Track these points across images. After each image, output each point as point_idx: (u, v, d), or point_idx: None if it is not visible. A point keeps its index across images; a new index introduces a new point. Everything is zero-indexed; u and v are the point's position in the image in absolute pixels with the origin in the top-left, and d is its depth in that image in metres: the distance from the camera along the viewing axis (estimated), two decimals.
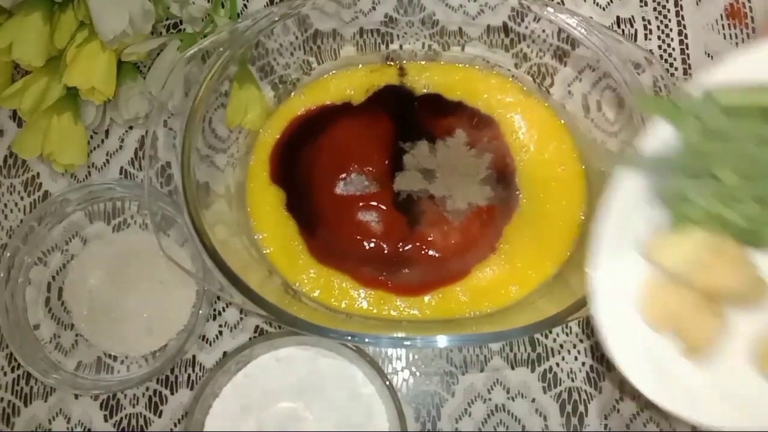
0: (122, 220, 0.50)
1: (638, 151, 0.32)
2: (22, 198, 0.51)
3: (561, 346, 0.48)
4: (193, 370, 0.48)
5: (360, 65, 0.49)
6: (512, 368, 0.47)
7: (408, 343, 0.40)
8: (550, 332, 0.48)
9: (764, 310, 0.31)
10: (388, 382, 0.43)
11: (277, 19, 0.43)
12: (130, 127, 0.52)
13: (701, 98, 0.31)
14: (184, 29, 0.52)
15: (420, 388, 0.47)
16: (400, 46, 0.50)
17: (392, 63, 0.49)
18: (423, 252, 0.45)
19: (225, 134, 0.47)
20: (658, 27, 0.53)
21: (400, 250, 0.45)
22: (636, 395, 0.47)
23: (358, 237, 0.46)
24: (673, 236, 0.32)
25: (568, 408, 0.47)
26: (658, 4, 0.53)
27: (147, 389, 0.47)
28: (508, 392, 0.47)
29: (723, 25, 0.53)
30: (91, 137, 0.52)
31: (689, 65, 0.52)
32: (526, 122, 0.48)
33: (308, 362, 0.45)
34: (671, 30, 0.53)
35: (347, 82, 0.49)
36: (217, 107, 0.47)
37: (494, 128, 0.48)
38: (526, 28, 0.48)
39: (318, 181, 0.47)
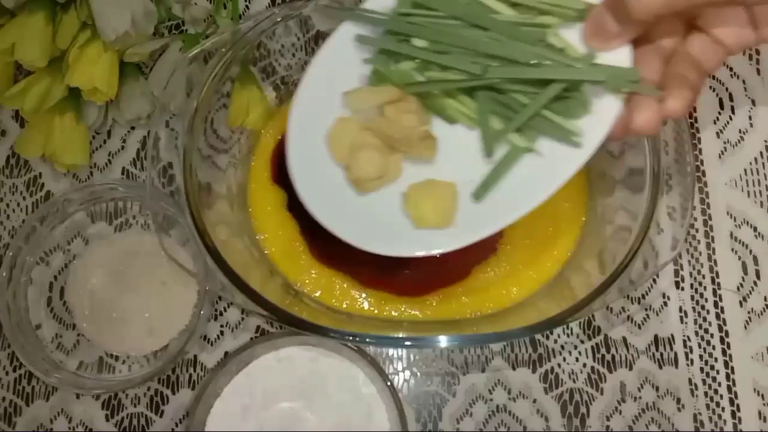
0: (124, 221, 0.50)
1: (359, 7, 0.36)
2: (24, 198, 0.51)
3: (562, 347, 0.48)
4: (195, 370, 0.48)
5: None
6: (513, 369, 0.47)
7: (409, 343, 0.40)
8: (552, 333, 0.48)
9: (428, 166, 0.36)
10: (389, 383, 0.43)
11: (279, 20, 0.43)
12: (132, 128, 0.52)
13: None
14: (186, 30, 0.52)
15: (421, 389, 0.47)
16: None
17: None
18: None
19: (227, 135, 0.47)
20: None
21: None
22: (637, 397, 0.47)
23: None
24: (370, 87, 0.36)
25: (570, 409, 0.47)
26: None
27: (148, 389, 0.48)
28: (509, 393, 0.47)
29: None
30: (94, 137, 0.52)
31: None
32: None
33: (309, 362, 0.45)
34: None
35: None
36: (219, 108, 0.47)
37: None
38: None
39: None
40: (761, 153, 0.51)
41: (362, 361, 0.44)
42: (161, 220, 0.47)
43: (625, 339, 0.48)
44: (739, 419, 0.47)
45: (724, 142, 0.51)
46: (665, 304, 0.48)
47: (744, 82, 0.52)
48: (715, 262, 0.49)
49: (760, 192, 0.50)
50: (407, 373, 0.47)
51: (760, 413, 0.47)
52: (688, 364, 0.47)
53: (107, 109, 0.50)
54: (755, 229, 0.49)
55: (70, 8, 0.47)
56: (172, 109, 0.46)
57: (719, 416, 0.47)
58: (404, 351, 0.48)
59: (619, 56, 0.33)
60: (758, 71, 0.52)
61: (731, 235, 0.49)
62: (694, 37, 0.34)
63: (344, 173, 0.36)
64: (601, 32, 0.32)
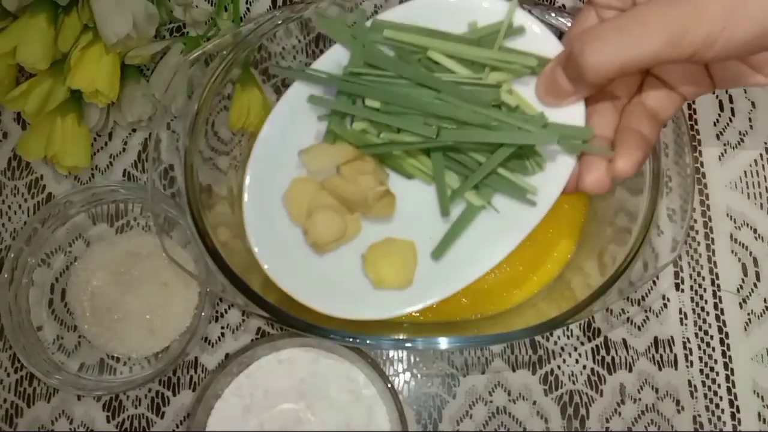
0: (125, 222, 0.50)
1: (313, 68, 0.36)
2: (25, 200, 0.51)
3: (562, 348, 0.48)
4: (195, 372, 0.48)
5: None
6: (513, 371, 0.47)
7: (409, 345, 0.40)
8: (551, 335, 0.48)
9: (387, 223, 0.36)
10: (389, 384, 0.43)
11: (279, 22, 0.43)
12: (134, 130, 0.52)
13: (369, 27, 0.35)
14: (188, 33, 0.52)
15: (421, 390, 0.47)
16: None
17: None
18: None
19: (228, 137, 0.47)
20: None
21: None
22: (637, 398, 0.47)
23: None
24: (323, 145, 0.36)
25: (570, 411, 0.47)
26: None
27: (149, 390, 0.48)
28: (509, 394, 0.47)
29: None
30: (95, 139, 0.52)
31: None
32: None
33: (310, 364, 0.45)
34: None
35: None
36: (220, 110, 0.47)
37: None
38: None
39: None
40: (761, 155, 0.51)
41: (363, 363, 0.44)
42: (162, 222, 0.48)
43: (624, 341, 0.48)
44: (739, 421, 0.47)
45: (724, 144, 0.51)
46: (665, 305, 0.48)
47: None
48: (715, 263, 0.49)
49: (760, 194, 0.50)
50: (408, 374, 0.48)
51: (759, 415, 0.47)
52: (687, 366, 0.47)
53: (109, 112, 0.51)
54: (755, 230, 0.49)
55: (72, 11, 0.47)
56: (174, 111, 0.46)
57: (719, 418, 0.47)
58: (405, 352, 0.48)
59: (572, 113, 0.33)
60: None
61: (731, 236, 0.49)
62: (650, 86, 0.33)
63: (302, 234, 0.36)
64: (553, 90, 0.32)
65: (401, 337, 0.40)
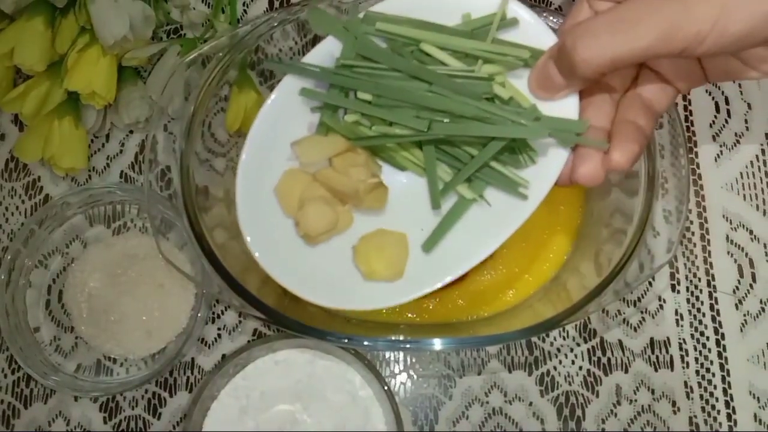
0: (122, 224, 0.50)
1: (305, 61, 0.36)
2: (23, 201, 0.51)
3: (558, 349, 0.48)
4: (192, 373, 0.48)
5: None
6: (509, 372, 0.47)
7: (405, 346, 0.40)
8: (548, 336, 0.48)
9: (379, 214, 0.36)
10: (385, 386, 0.43)
11: (276, 24, 0.44)
12: (131, 132, 0.52)
13: (362, 19, 0.35)
14: (185, 34, 0.52)
15: (417, 392, 0.47)
16: None
17: None
18: None
19: (224, 138, 0.47)
20: None
21: None
22: (633, 399, 0.47)
23: None
24: (316, 137, 0.36)
25: (566, 412, 0.47)
26: None
27: (146, 392, 0.48)
28: (505, 395, 0.47)
29: None
30: (92, 141, 0.52)
31: None
32: None
33: (306, 365, 0.45)
34: None
35: None
36: (217, 112, 0.47)
37: None
38: None
39: None
40: (757, 156, 0.51)
41: (359, 364, 0.44)
42: (159, 224, 0.48)
43: (620, 342, 0.48)
44: (735, 422, 0.47)
45: (720, 146, 0.51)
46: (661, 306, 0.48)
47: (740, 85, 0.52)
48: (711, 264, 0.49)
49: (756, 195, 0.50)
50: (404, 375, 0.48)
51: (755, 416, 0.47)
52: (683, 367, 0.47)
53: (106, 113, 0.51)
54: (751, 232, 0.50)
55: (69, 13, 0.47)
56: (170, 112, 0.46)
57: (715, 419, 0.47)
58: (401, 354, 0.48)
59: (566, 106, 0.33)
60: None
61: (727, 237, 0.49)
62: (645, 78, 0.33)
63: (294, 225, 0.36)
64: (546, 84, 0.32)
65: (397, 338, 0.40)
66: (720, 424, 0.47)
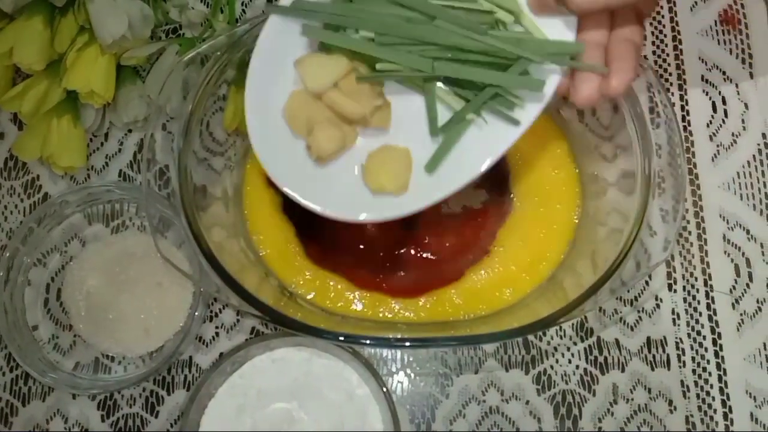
0: (120, 222, 0.50)
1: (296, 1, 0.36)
2: (22, 200, 0.52)
3: (555, 348, 0.48)
4: (190, 371, 0.48)
5: None
6: (506, 370, 0.48)
7: (402, 344, 0.40)
8: (544, 335, 0.48)
9: (384, 135, 0.37)
10: (382, 384, 0.43)
11: None
12: (129, 131, 0.52)
13: None
14: (183, 34, 0.52)
15: (414, 390, 0.47)
16: None
17: None
18: (418, 255, 0.46)
19: (222, 137, 0.48)
20: (653, 33, 0.53)
21: (395, 252, 0.46)
22: (629, 398, 0.47)
23: (354, 240, 0.46)
24: (319, 56, 0.36)
25: (562, 410, 0.47)
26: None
27: (144, 390, 0.48)
28: (502, 394, 0.47)
29: (717, 32, 0.53)
30: (91, 140, 0.52)
31: (683, 71, 0.52)
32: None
33: (303, 363, 0.45)
34: (665, 36, 0.53)
35: None
36: (215, 111, 0.47)
37: None
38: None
39: None
40: (754, 156, 0.51)
41: (356, 362, 0.44)
42: (157, 223, 0.48)
43: (617, 341, 0.48)
44: (731, 421, 0.47)
45: (717, 145, 0.51)
46: (658, 306, 0.48)
47: (737, 85, 0.52)
48: (708, 264, 0.49)
49: (753, 195, 0.50)
50: (401, 374, 0.48)
51: (752, 415, 0.47)
52: (680, 366, 0.47)
53: (104, 112, 0.51)
54: (748, 231, 0.50)
55: (68, 12, 0.47)
56: (169, 111, 0.46)
57: (711, 418, 0.47)
58: (398, 352, 0.48)
59: (564, 25, 0.33)
60: (751, 75, 0.52)
61: (724, 237, 0.50)
62: (622, 16, 0.34)
63: (303, 143, 0.37)
64: (542, 4, 0.33)
65: (394, 336, 0.40)
66: (716, 423, 0.47)
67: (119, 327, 0.47)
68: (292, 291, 0.46)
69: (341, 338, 0.39)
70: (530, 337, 0.48)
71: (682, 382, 0.47)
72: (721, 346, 0.48)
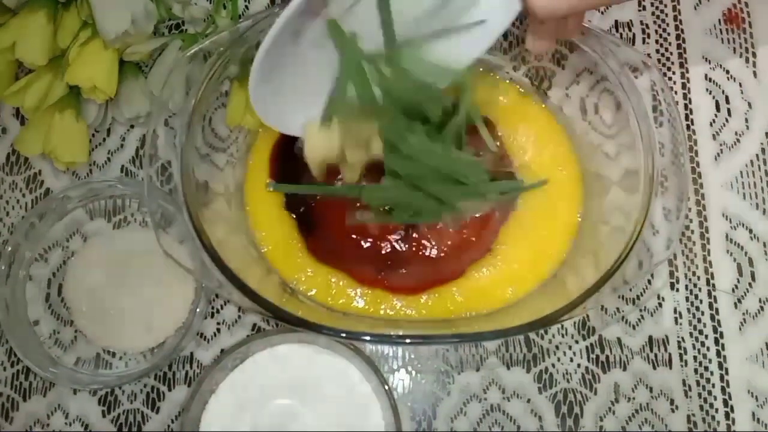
0: (122, 218, 0.50)
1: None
2: (23, 195, 0.52)
3: (557, 347, 0.48)
4: (191, 367, 0.48)
5: None
6: (508, 368, 0.47)
7: (404, 341, 0.40)
8: (546, 333, 0.48)
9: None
10: (384, 381, 0.43)
11: None
12: (132, 126, 0.52)
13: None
14: (186, 30, 0.52)
15: (416, 387, 0.47)
16: None
17: None
18: (420, 252, 0.46)
19: (225, 134, 0.48)
20: (656, 31, 0.53)
21: (397, 249, 0.46)
22: (631, 397, 0.47)
23: (356, 236, 0.46)
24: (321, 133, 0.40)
25: (564, 409, 0.47)
26: (656, 8, 0.54)
27: (145, 385, 0.48)
28: (503, 392, 0.47)
29: (721, 30, 0.53)
30: (93, 135, 0.52)
31: (687, 69, 0.52)
32: (523, 125, 0.48)
33: (305, 360, 0.45)
34: (669, 34, 0.53)
35: None
36: (218, 107, 0.47)
37: (492, 131, 0.48)
38: (525, 31, 0.48)
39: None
40: (757, 155, 0.51)
41: (357, 359, 0.44)
42: (159, 218, 0.48)
43: (619, 339, 0.48)
44: (733, 420, 0.47)
45: (720, 144, 0.51)
46: (660, 305, 0.48)
47: (740, 84, 0.52)
48: (710, 263, 0.49)
49: (756, 194, 0.50)
50: (402, 371, 0.48)
51: (753, 414, 0.47)
52: (682, 365, 0.47)
53: (107, 108, 0.51)
54: (750, 230, 0.50)
55: (71, 7, 0.47)
56: (171, 107, 0.46)
57: (713, 417, 0.47)
58: (399, 350, 0.48)
59: None
60: (755, 74, 0.52)
61: (726, 236, 0.49)
62: None
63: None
64: None
65: (396, 333, 0.40)
66: (718, 422, 0.47)
67: (120, 322, 0.47)
68: (293, 287, 0.46)
69: (343, 335, 0.39)
70: (532, 335, 0.48)
71: (683, 381, 0.47)
72: (723, 345, 0.48)
